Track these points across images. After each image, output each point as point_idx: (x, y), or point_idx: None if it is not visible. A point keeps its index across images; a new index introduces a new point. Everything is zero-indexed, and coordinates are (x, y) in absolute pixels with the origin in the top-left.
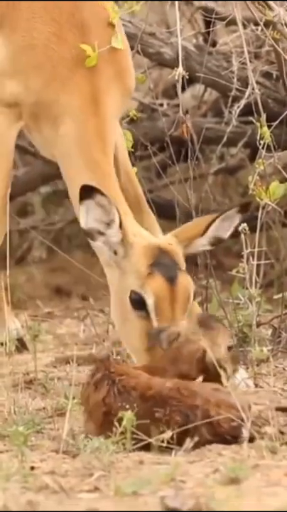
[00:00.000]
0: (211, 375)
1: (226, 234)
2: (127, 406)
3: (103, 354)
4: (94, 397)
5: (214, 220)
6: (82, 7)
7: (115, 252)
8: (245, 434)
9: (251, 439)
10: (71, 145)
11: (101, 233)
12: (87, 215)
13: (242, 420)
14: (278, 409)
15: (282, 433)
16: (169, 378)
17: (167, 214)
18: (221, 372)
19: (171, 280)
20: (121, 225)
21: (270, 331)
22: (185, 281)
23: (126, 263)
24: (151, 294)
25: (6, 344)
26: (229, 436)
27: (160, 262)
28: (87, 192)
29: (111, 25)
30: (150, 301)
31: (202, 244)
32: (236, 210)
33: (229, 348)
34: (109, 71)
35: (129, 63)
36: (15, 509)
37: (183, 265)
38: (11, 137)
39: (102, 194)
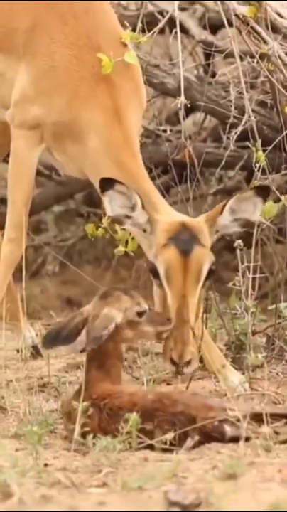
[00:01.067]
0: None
1: (253, 216)
2: (120, 425)
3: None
4: (90, 425)
5: (228, 201)
6: (98, 30)
7: (144, 230)
8: (228, 430)
9: (248, 439)
10: (100, 156)
11: (128, 217)
12: (111, 204)
13: (222, 421)
14: (272, 415)
15: (276, 433)
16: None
17: None
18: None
19: (184, 252)
20: (143, 207)
21: (264, 339)
22: (200, 254)
23: (153, 238)
24: (162, 263)
25: (21, 351)
26: (215, 434)
27: (179, 236)
28: (107, 184)
29: (124, 45)
30: (161, 271)
31: (225, 224)
32: (254, 193)
33: (140, 314)
34: (126, 87)
35: (141, 81)
36: (30, 503)
37: (207, 241)
38: (34, 159)
39: (120, 183)
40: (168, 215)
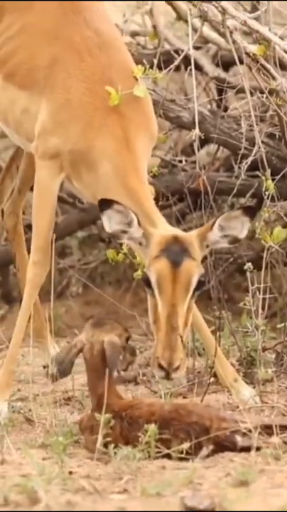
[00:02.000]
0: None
1: (241, 234)
2: (139, 433)
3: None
4: (112, 434)
5: (217, 218)
6: (111, 65)
7: (140, 244)
8: (239, 440)
9: (258, 448)
10: (111, 181)
11: (125, 231)
12: (110, 221)
13: (234, 431)
14: (281, 426)
15: (285, 443)
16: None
17: None
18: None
19: (175, 263)
20: (139, 223)
21: (274, 355)
22: (189, 266)
23: (147, 250)
24: (154, 273)
25: (48, 366)
26: (227, 443)
27: (171, 248)
28: (105, 204)
29: (135, 79)
30: (153, 280)
31: (214, 240)
32: (241, 212)
33: (127, 339)
34: (136, 118)
35: (152, 113)
36: (56, 508)
37: (197, 255)
38: (55, 187)
39: (117, 203)
40: (162, 229)
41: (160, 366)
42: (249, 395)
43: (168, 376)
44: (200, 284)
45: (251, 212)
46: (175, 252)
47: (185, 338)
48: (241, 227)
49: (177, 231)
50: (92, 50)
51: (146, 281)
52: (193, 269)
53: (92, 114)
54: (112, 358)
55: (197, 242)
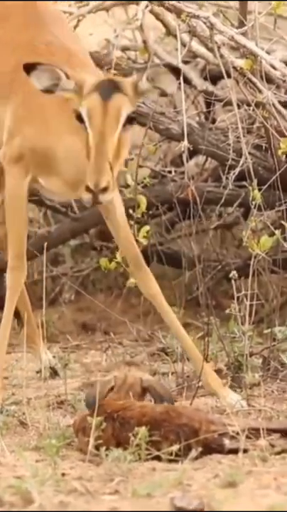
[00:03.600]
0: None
1: (168, 88)
2: (130, 434)
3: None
4: (104, 435)
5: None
6: (71, 67)
7: (76, 92)
8: (226, 442)
9: (246, 450)
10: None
11: (56, 84)
12: (39, 80)
13: (222, 434)
14: (268, 429)
15: (272, 445)
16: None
17: (175, 263)
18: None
19: (105, 97)
20: (68, 77)
21: (261, 360)
22: (119, 100)
23: (83, 93)
24: (85, 107)
25: (41, 371)
26: (215, 446)
27: (103, 86)
28: (30, 67)
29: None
30: (84, 113)
31: (146, 88)
32: (168, 70)
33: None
34: None
35: None
36: (49, 509)
37: (129, 93)
38: (23, 192)
39: (42, 64)
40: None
41: (88, 189)
42: (236, 400)
43: (95, 199)
44: (131, 119)
45: (177, 71)
46: (107, 88)
47: (115, 170)
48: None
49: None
50: (53, 52)
51: (79, 118)
52: (123, 103)
53: (51, 113)
54: (162, 394)
55: (129, 85)
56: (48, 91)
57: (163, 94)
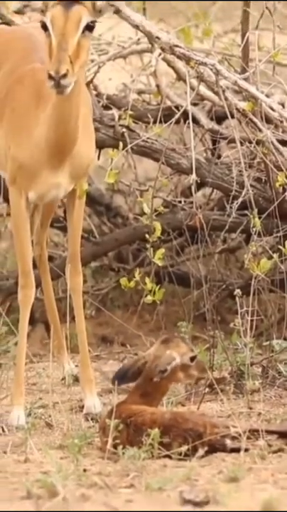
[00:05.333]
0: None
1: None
2: (143, 439)
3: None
4: (121, 439)
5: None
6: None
7: (42, 11)
8: (228, 443)
9: (247, 449)
10: None
11: (26, 6)
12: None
13: (224, 436)
14: (267, 431)
15: (270, 445)
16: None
17: (184, 283)
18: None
19: (66, 6)
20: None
21: (260, 369)
22: (79, 9)
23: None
24: (49, 17)
25: (65, 379)
26: (219, 446)
27: (65, 0)
28: None
29: None
30: (48, 22)
31: (102, 5)
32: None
33: (192, 359)
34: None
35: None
36: (71, 500)
37: (89, 8)
38: (23, 210)
39: None
40: None
41: (50, 77)
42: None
43: (57, 85)
44: (90, 28)
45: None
46: (69, 2)
47: (76, 66)
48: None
49: None
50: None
51: (44, 27)
52: (83, 12)
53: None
54: (160, 366)
55: (88, 3)
56: (19, 12)
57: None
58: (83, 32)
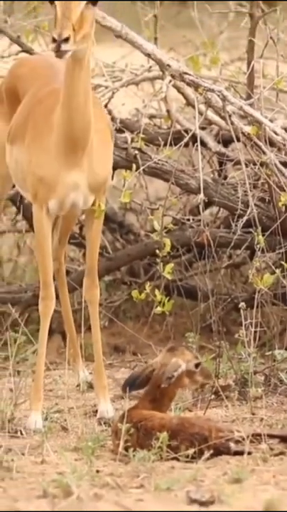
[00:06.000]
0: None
1: None
2: (152, 442)
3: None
4: (131, 442)
5: None
6: None
7: None
8: (232, 446)
9: (250, 453)
10: None
11: None
12: None
13: (228, 439)
14: (269, 435)
15: (271, 449)
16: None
17: (192, 296)
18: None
19: None
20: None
21: (263, 377)
22: None
23: None
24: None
25: (80, 385)
26: (223, 449)
27: None
28: None
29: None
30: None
31: None
32: None
33: (197, 365)
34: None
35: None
36: (85, 499)
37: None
38: (45, 224)
39: None
40: None
41: (54, 40)
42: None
43: (58, 47)
44: (94, 2)
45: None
46: None
47: (78, 35)
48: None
49: None
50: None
51: (50, 0)
52: None
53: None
54: (167, 373)
55: None
56: None
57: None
58: (86, 4)
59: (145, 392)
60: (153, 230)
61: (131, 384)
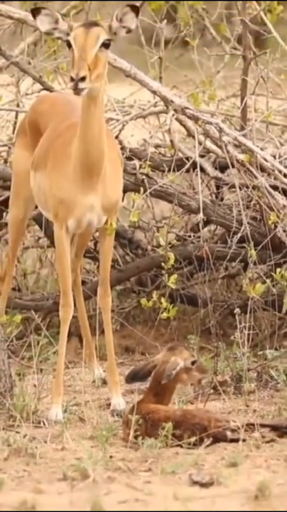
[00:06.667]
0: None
1: (132, 25)
2: (159, 431)
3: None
4: (140, 431)
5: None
6: None
7: (67, 34)
8: (229, 434)
9: (244, 440)
10: None
11: (55, 28)
12: (42, 24)
13: (225, 429)
14: (261, 424)
15: (263, 436)
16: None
17: (193, 303)
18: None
19: (86, 27)
20: (63, 19)
21: (256, 374)
22: (98, 30)
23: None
24: (72, 35)
25: (95, 381)
26: (220, 437)
27: (86, 22)
28: (36, 11)
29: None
30: (71, 39)
31: (116, 27)
32: (129, 9)
33: (193, 362)
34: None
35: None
36: (100, 482)
37: (106, 29)
38: (64, 240)
39: (45, 8)
40: None
41: (71, 79)
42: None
43: (76, 86)
44: (106, 45)
45: (136, 9)
46: (88, 23)
47: (93, 74)
48: (131, 21)
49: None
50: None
51: (68, 44)
52: (100, 32)
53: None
54: (167, 371)
55: (105, 26)
56: (49, 33)
57: (129, 31)
58: (100, 47)
59: (149, 388)
60: (159, 245)
61: (133, 377)
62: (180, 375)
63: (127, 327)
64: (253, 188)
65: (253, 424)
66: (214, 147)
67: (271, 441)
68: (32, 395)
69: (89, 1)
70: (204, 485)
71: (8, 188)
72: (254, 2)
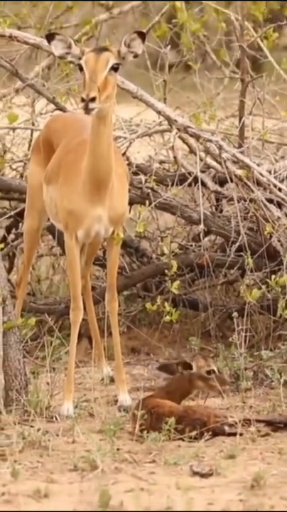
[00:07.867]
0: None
1: (139, 50)
2: (162, 425)
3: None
4: (145, 425)
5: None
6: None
7: (79, 58)
8: (226, 429)
9: (241, 434)
10: None
11: (68, 53)
12: (56, 48)
13: (223, 423)
14: (257, 420)
15: (259, 431)
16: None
17: (194, 307)
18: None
19: (96, 51)
20: (75, 44)
21: (252, 373)
22: (107, 54)
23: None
24: (83, 59)
25: (103, 379)
26: (219, 431)
27: (96, 48)
28: (51, 36)
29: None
30: (83, 62)
31: (124, 52)
32: (137, 35)
33: (209, 372)
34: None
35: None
36: (108, 472)
37: (115, 53)
38: (74, 248)
39: (59, 34)
40: None
41: (82, 100)
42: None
43: (86, 106)
44: (115, 68)
45: (142, 35)
46: (98, 48)
47: (103, 95)
48: (138, 46)
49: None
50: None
51: (81, 68)
52: (110, 57)
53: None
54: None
55: (114, 51)
56: (62, 57)
57: (136, 56)
58: (109, 71)
59: (166, 384)
60: (163, 254)
61: (163, 368)
62: (195, 381)
63: (133, 329)
64: (250, 201)
65: (249, 420)
66: (214, 163)
67: (266, 435)
68: (45, 391)
69: (99, 28)
70: (204, 475)
71: (24, 201)
72: (252, 29)
